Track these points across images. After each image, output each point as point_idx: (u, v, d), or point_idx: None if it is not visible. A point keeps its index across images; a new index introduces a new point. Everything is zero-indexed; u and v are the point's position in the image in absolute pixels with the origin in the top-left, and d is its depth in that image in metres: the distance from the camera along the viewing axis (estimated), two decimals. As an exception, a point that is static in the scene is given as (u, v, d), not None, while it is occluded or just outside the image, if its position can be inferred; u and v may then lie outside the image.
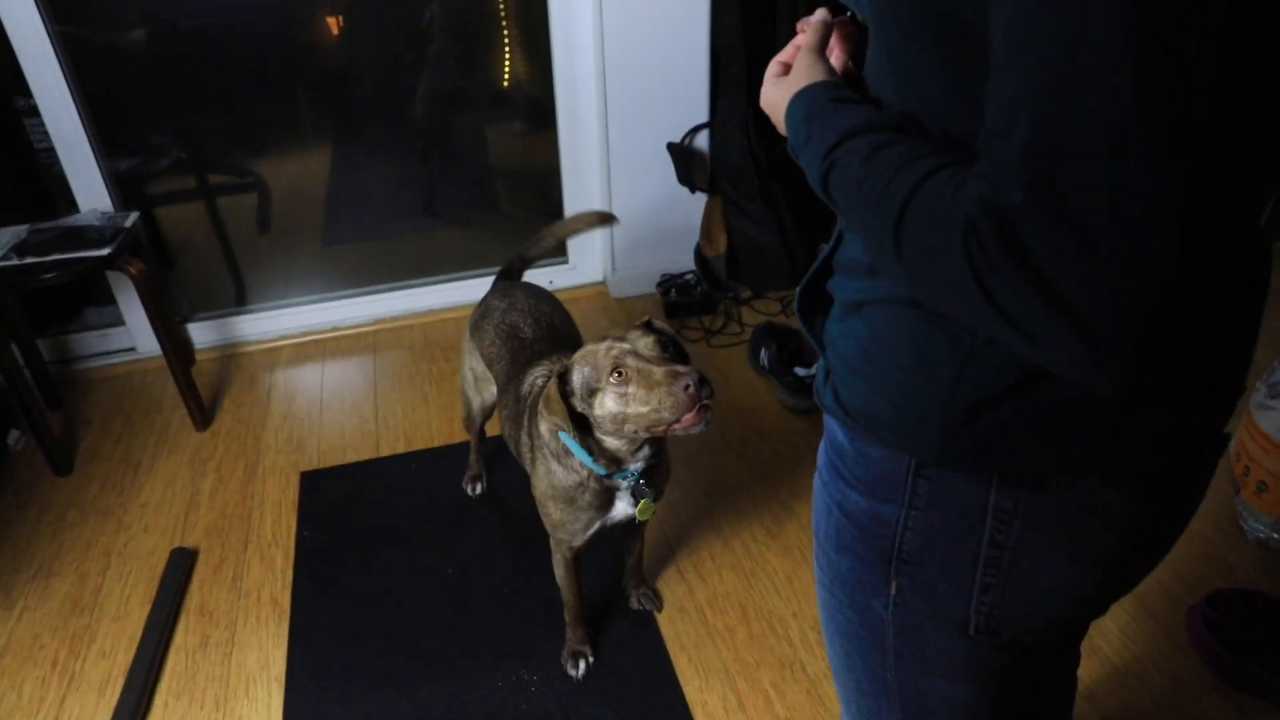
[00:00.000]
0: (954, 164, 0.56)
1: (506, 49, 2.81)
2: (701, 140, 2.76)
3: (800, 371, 2.39)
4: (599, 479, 1.50)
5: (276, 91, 2.72)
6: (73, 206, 2.51)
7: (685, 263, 2.93)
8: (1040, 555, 0.73)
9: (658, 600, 1.90)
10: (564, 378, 1.39)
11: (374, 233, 3.04)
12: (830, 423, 0.83)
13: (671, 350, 1.40)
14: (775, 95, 0.78)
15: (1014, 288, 0.50)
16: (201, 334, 2.77)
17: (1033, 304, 0.50)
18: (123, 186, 2.59)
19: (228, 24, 2.55)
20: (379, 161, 2.96)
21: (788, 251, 2.82)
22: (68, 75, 2.35)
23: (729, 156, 2.71)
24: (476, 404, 1.95)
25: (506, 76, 2.87)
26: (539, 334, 1.78)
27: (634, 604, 1.91)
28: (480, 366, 1.87)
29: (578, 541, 1.61)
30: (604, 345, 1.37)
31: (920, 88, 0.64)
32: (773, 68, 0.82)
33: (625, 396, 1.33)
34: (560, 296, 3.09)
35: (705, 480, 2.19)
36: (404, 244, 3.06)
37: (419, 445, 2.34)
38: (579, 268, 2.99)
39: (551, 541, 1.67)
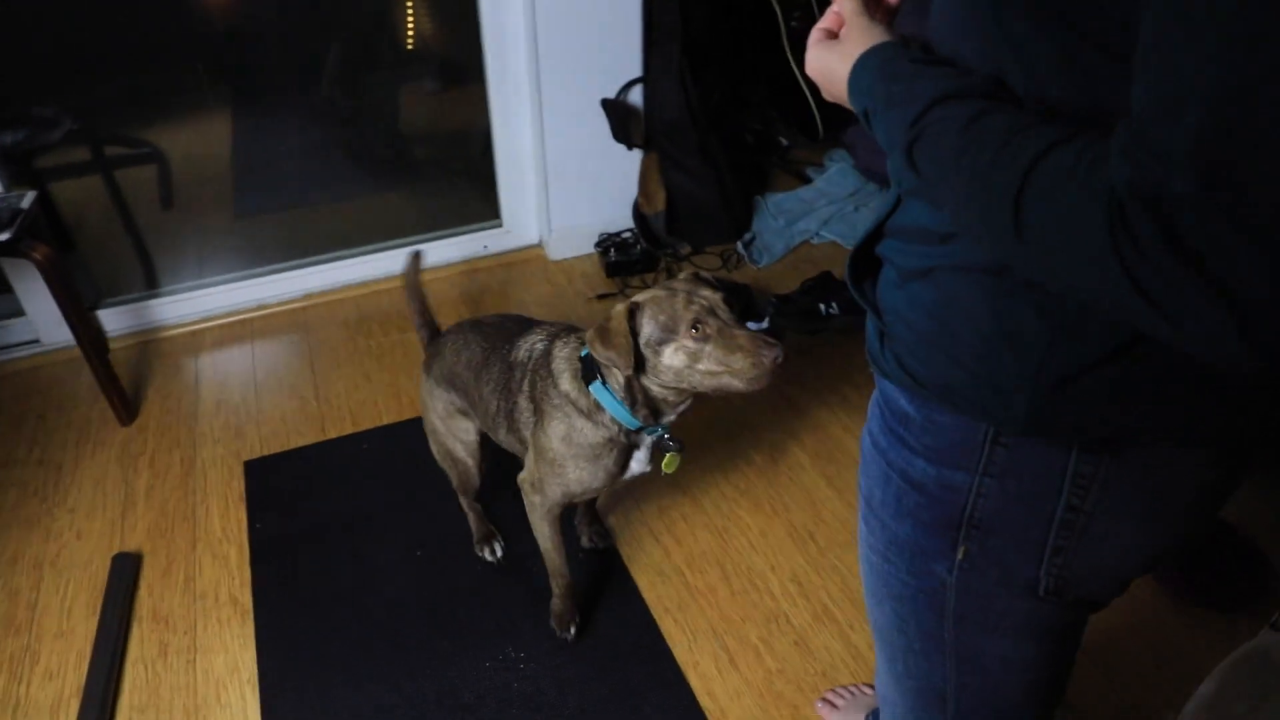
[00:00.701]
0: (1071, 138, 0.54)
1: (410, 6, 2.67)
2: (636, 95, 2.70)
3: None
4: (629, 434, 1.46)
5: (168, 54, 2.51)
6: (-46, 188, 2.28)
7: (623, 221, 2.88)
8: (1114, 518, 0.73)
9: (609, 537, 1.91)
10: (633, 314, 1.34)
11: (288, 202, 2.87)
12: (889, 388, 0.81)
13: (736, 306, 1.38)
14: (830, 60, 0.74)
15: (1167, 276, 0.49)
16: (114, 320, 2.57)
17: (1186, 292, 0.48)
18: (10, 163, 2.35)
19: None
20: (285, 127, 2.78)
21: (726, 205, 2.80)
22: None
23: (665, 111, 2.66)
24: (462, 450, 1.77)
25: (411, 36, 2.73)
26: (500, 326, 1.70)
27: (585, 542, 1.91)
28: (447, 396, 1.74)
29: (583, 497, 1.57)
30: (681, 297, 1.33)
31: (1012, 52, 0.61)
32: (816, 34, 0.79)
33: (699, 354, 1.30)
34: (495, 262, 3.04)
35: (668, 441, 2.18)
36: (323, 213, 2.90)
37: (367, 424, 2.24)
38: (514, 230, 2.90)
39: (538, 499, 1.58)
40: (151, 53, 2.48)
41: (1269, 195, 0.46)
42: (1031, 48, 0.60)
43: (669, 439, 1.48)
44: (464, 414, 1.75)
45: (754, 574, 1.86)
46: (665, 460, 1.50)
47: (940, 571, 0.81)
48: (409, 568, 1.87)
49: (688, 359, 1.31)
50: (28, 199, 2.10)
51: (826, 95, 0.78)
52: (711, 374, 1.31)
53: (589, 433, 1.46)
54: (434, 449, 1.86)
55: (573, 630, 1.73)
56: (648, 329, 1.33)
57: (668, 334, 1.32)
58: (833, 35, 0.78)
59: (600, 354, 1.35)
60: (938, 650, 0.87)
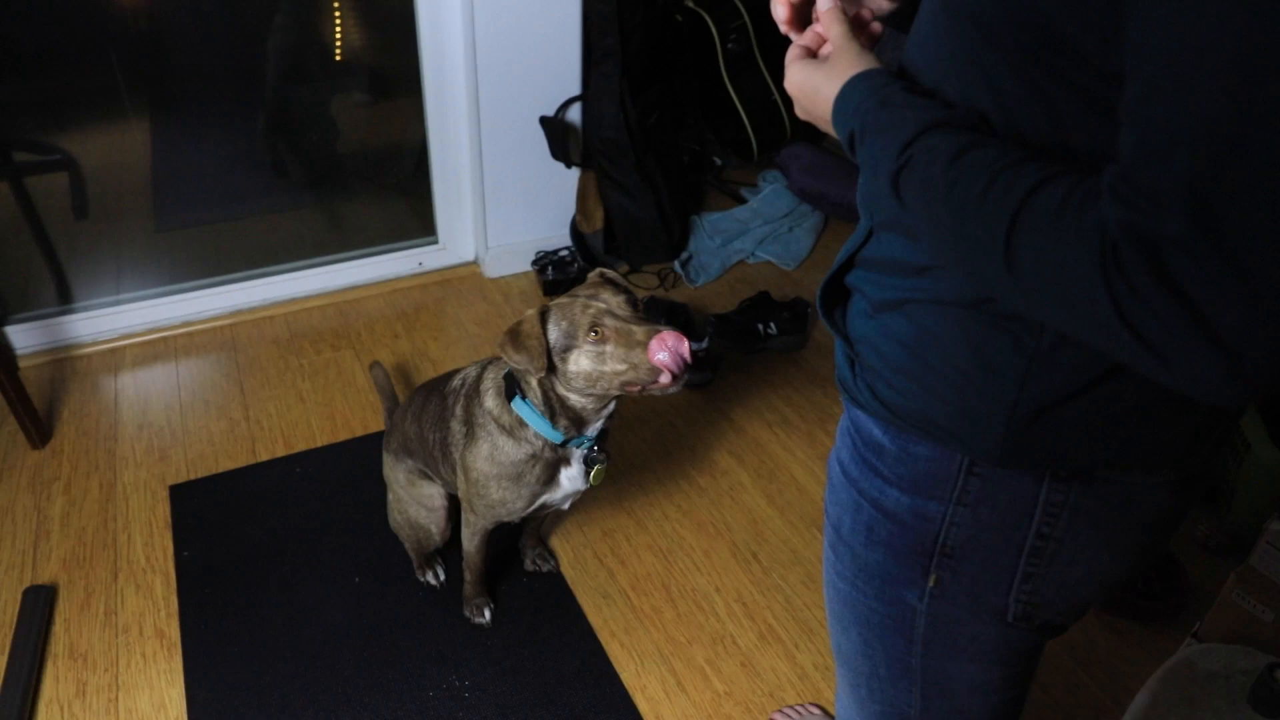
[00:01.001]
0: (1061, 175, 0.56)
1: (337, 18, 2.62)
2: (574, 114, 2.69)
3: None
4: (553, 448, 1.46)
5: (82, 55, 2.38)
6: None
7: (560, 239, 2.87)
8: (1082, 544, 0.75)
9: (553, 558, 1.90)
10: (544, 318, 1.35)
11: (213, 216, 2.77)
12: (861, 417, 0.82)
13: (641, 308, 1.39)
14: (816, 79, 0.75)
15: (1157, 314, 0.50)
16: (23, 338, 2.43)
17: (1175, 330, 0.50)
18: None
19: None
20: (209, 137, 2.68)
21: (664, 224, 2.82)
22: None
23: (604, 130, 2.66)
24: (425, 516, 1.75)
25: (339, 46, 2.68)
26: (445, 375, 1.71)
27: (529, 565, 1.89)
28: (406, 464, 1.74)
29: (511, 519, 1.57)
30: (579, 301, 1.35)
31: (989, 92, 0.63)
32: (795, 50, 0.79)
33: (602, 355, 1.31)
34: (431, 279, 2.99)
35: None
36: (251, 228, 2.81)
37: (301, 446, 2.17)
38: (449, 247, 2.86)
39: (470, 517, 1.61)
40: (64, 53, 2.35)
41: (1258, 237, 0.48)
42: (1009, 89, 0.62)
43: (596, 450, 1.49)
44: (426, 477, 1.74)
45: (699, 595, 1.86)
46: (593, 472, 1.51)
47: (910, 599, 0.83)
48: (347, 596, 1.82)
49: (592, 362, 1.33)
50: (-67, 209, 1.98)
51: (802, 113, 0.78)
52: (618, 374, 1.32)
53: (510, 450, 1.47)
54: (392, 520, 1.85)
55: (487, 614, 1.75)
56: (553, 335, 1.35)
57: (570, 340, 1.34)
58: (811, 54, 0.78)
59: (512, 358, 1.36)
60: (904, 675, 0.89)
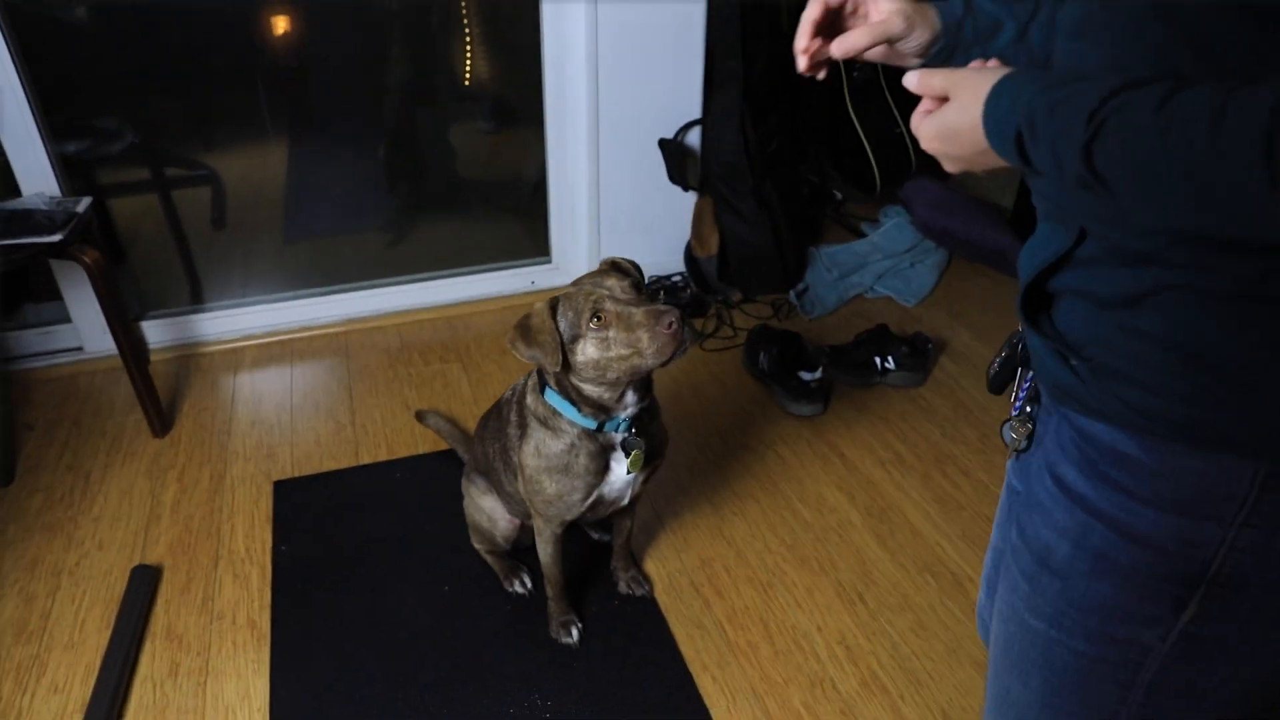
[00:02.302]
0: None
1: (468, 47, 2.68)
2: (693, 137, 2.67)
3: (805, 376, 2.30)
4: (590, 436, 1.43)
5: (232, 81, 2.54)
6: (14, 193, 2.28)
7: (673, 264, 2.83)
8: None
9: (647, 583, 1.82)
10: (554, 310, 1.33)
11: (337, 229, 2.86)
12: (1098, 429, 0.71)
13: (646, 291, 1.36)
14: (948, 116, 0.69)
15: None
16: (156, 333, 2.55)
17: None
18: (71, 172, 2.36)
19: (181, 5, 2.36)
20: (339, 157, 2.79)
21: (780, 253, 2.74)
22: (13, 49, 2.14)
23: (722, 154, 2.62)
24: (488, 523, 1.76)
25: (468, 75, 2.74)
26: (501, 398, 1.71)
27: (623, 588, 1.82)
28: (479, 482, 1.75)
29: (572, 515, 1.52)
30: (583, 289, 1.32)
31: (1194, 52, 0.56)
32: (919, 115, 0.74)
33: (606, 341, 1.29)
34: (543, 298, 2.97)
35: (710, 488, 2.08)
36: (371, 241, 2.89)
37: (403, 453, 2.17)
38: (562, 267, 2.86)
39: (539, 522, 1.58)
40: (218, 79, 2.52)
41: None
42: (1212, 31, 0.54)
43: (634, 432, 1.44)
44: (493, 493, 1.74)
45: (799, 634, 1.74)
46: (631, 458, 1.45)
47: (1147, 638, 0.71)
48: (434, 603, 1.78)
49: (598, 349, 1.30)
50: (83, 204, 2.10)
51: (952, 164, 0.72)
52: (623, 358, 1.29)
53: (551, 443, 1.44)
54: (470, 528, 1.85)
55: (574, 634, 1.69)
56: (562, 326, 1.32)
57: (575, 329, 1.30)
58: (941, 103, 0.73)
59: (523, 354, 1.33)
60: None
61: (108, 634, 1.69)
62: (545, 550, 1.63)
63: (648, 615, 1.77)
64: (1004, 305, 2.81)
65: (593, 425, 1.41)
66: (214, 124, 2.63)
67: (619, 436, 1.44)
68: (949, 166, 0.74)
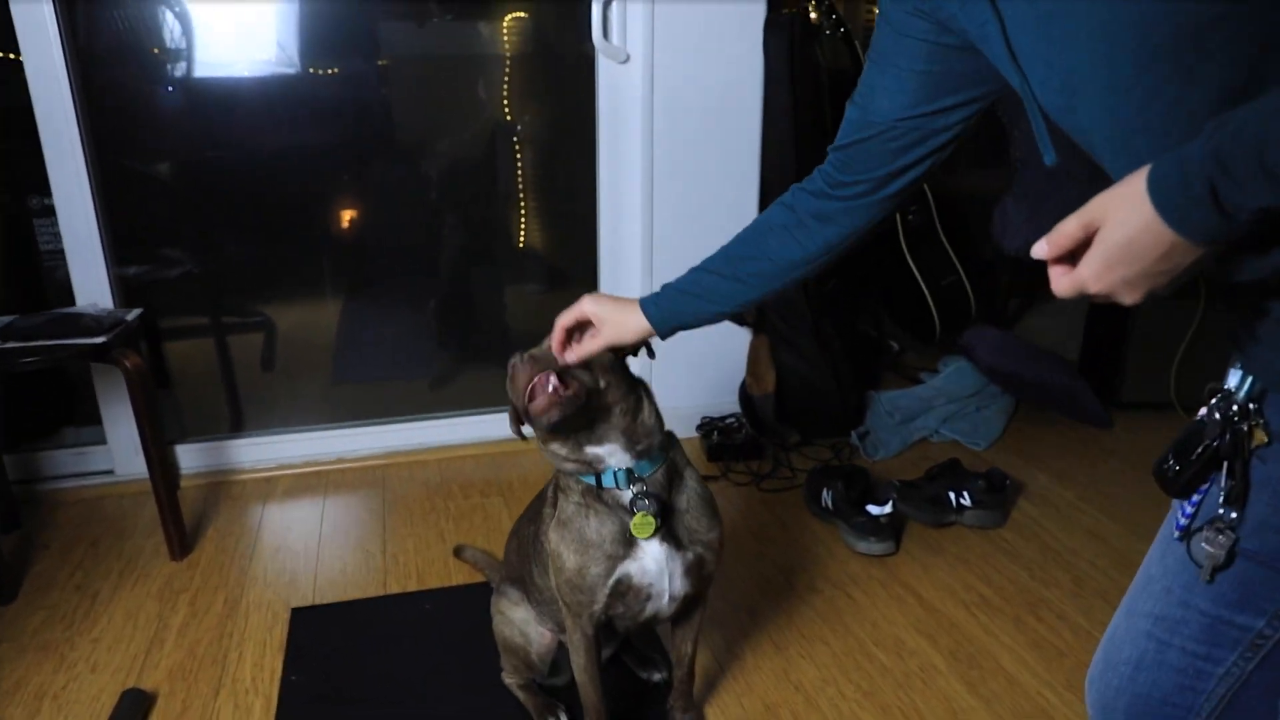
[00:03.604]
0: None
1: (522, 214, 2.74)
2: (749, 273, 2.63)
3: (874, 510, 2.10)
4: (594, 494, 1.30)
5: (294, 238, 2.61)
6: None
7: (727, 405, 2.71)
8: None
9: None
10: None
11: (384, 375, 2.82)
12: None
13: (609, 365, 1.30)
14: (1118, 235, 0.64)
15: None
16: (190, 458, 2.46)
17: None
18: (128, 295, 2.38)
19: (257, 167, 2.49)
20: (391, 309, 2.80)
21: (840, 393, 2.62)
22: (94, 189, 2.22)
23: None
24: (520, 638, 1.58)
25: (522, 239, 2.79)
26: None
27: None
28: (510, 594, 1.60)
29: (599, 603, 1.32)
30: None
31: None
32: (1058, 270, 0.70)
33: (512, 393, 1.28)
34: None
35: (773, 630, 1.85)
36: (416, 386, 2.83)
37: (434, 584, 1.99)
38: (611, 408, 2.75)
39: (569, 623, 1.38)
40: (284, 236, 2.60)
41: None
42: None
43: (643, 497, 1.28)
44: (524, 604, 1.58)
45: (885, 793, 1.46)
46: (635, 521, 1.28)
47: None
48: (458, 742, 1.55)
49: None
50: (132, 314, 2.08)
51: (1132, 286, 0.66)
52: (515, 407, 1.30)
53: (565, 505, 1.33)
54: (504, 665, 1.67)
55: None
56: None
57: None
58: (1069, 259, 0.69)
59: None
60: None
61: (85, 766, 1.48)
62: (578, 662, 1.41)
63: (704, 766, 1.51)
64: (1080, 448, 2.62)
65: (590, 480, 1.30)
66: (275, 276, 2.67)
67: (626, 495, 1.29)
68: (1130, 296, 0.66)
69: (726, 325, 2.63)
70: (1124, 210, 0.63)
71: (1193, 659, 0.82)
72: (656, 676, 1.70)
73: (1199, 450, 0.79)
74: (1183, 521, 0.83)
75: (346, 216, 2.67)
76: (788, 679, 1.72)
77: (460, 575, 2.02)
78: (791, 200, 1.13)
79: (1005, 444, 2.66)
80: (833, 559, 2.10)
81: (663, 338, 1.24)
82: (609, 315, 1.22)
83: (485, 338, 2.92)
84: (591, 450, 1.28)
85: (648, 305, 1.21)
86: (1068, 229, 0.66)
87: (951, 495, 2.17)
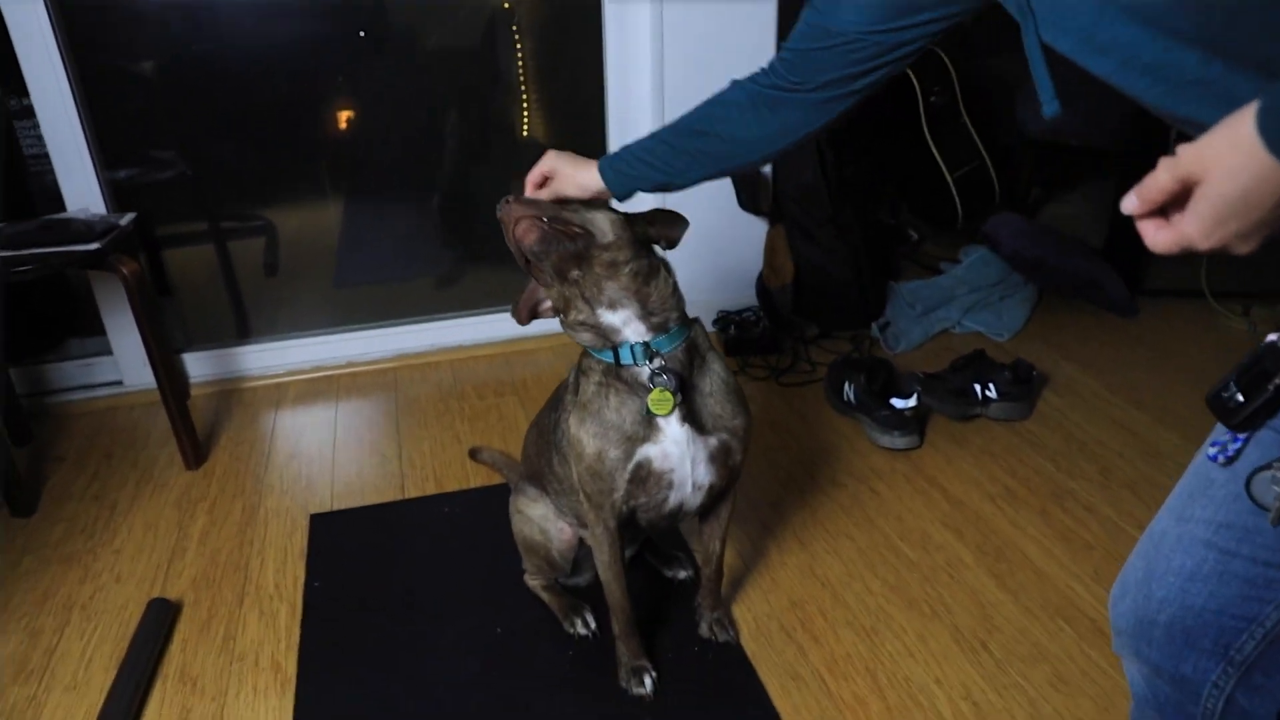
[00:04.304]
0: None
1: (525, 103, 2.60)
2: (765, 166, 2.51)
3: (898, 404, 2.06)
4: (613, 372, 1.26)
5: (291, 137, 2.49)
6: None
7: (745, 298, 2.64)
8: None
9: (733, 629, 1.57)
10: None
11: (387, 276, 2.74)
12: None
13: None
14: (1226, 186, 0.57)
15: None
16: (198, 366, 2.42)
17: None
18: (121, 199, 2.29)
19: (246, 63, 2.35)
20: (394, 209, 2.69)
21: (859, 283, 2.54)
22: (75, 90, 2.10)
23: (798, 178, 2.45)
24: (540, 535, 1.55)
25: (525, 129, 2.65)
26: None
27: (704, 630, 1.56)
28: (528, 491, 1.57)
29: (619, 491, 1.29)
30: None
31: None
32: (1153, 224, 0.63)
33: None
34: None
35: (797, 526, 1.83)
36: (422, 285, 2.75)
37: (452, 486, 1.97)
38: (624, 305, 2.69)
39: (590, 516, 1.35)
40: (277, 135, 2.47)
41: None
42: None
43: (661, 373, 1.24)
44: (542, 500, 1.55)
45: (914, 686, 1.46)
46: (652, 397, 1.24)
47: None
48: (485, 648, 1.54)
49: None
50: (126, 218, 2.00)
51: (1246, 238, 0.59)
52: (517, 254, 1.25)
53: (584, 385, 1.30)
54: (526, 566, 1.65)
55: (648, 683, 1.44)
56: None
57: None
58: (1161, 211, 0.62)
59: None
60: None
61: (114, 674, 1.48)
62: (602, 558, 1.39)
63: (734, 663, 1.51)
64: (1106, 337, 2.55)
65: (609, 356, 1.25)
66: (273, 177, 2.56)
67: (645, 371, 1.24)
68: (1246, 247, 0.60)
69: (742, 216, 2.54)
70: (1232, 158, 0.56)
71: (1265, 568, 0.77)
72: (681, 575, 1.69)
73: (1276, 383, 0.72)
74: (1233, 448, 0.77)
75: (343, 114, 2.54)
76: (813, 574, 1.71)
77: (478, 477, 2.00)
78: (747, 82, 1.12)
79: (1029, 333, 2.59)
80: (855, 453, 2.06)
81: (619, 199, 1.25)
82: (563, 168, 1.25)
83: (490, 234, 2.82)
84: (605, 316, 1.23)
85: (604, 167, 1.22)
86: (1160, 182, 0.59)
87: (977, 388, 2.12)
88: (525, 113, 2.64)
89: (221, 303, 2.54)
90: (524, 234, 1.18)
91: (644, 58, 2.37)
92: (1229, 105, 0.68)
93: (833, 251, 2.49)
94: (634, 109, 2.45)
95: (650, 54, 2.34)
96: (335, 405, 2.33)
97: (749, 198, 2.48)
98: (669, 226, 1.30)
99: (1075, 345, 2.52)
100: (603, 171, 1.22)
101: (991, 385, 2.12)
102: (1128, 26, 0.71)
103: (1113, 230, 2.87)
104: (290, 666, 1.51)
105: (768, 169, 2.52)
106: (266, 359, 2.46)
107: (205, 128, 2.39)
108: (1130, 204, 0.62)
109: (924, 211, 3.00)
